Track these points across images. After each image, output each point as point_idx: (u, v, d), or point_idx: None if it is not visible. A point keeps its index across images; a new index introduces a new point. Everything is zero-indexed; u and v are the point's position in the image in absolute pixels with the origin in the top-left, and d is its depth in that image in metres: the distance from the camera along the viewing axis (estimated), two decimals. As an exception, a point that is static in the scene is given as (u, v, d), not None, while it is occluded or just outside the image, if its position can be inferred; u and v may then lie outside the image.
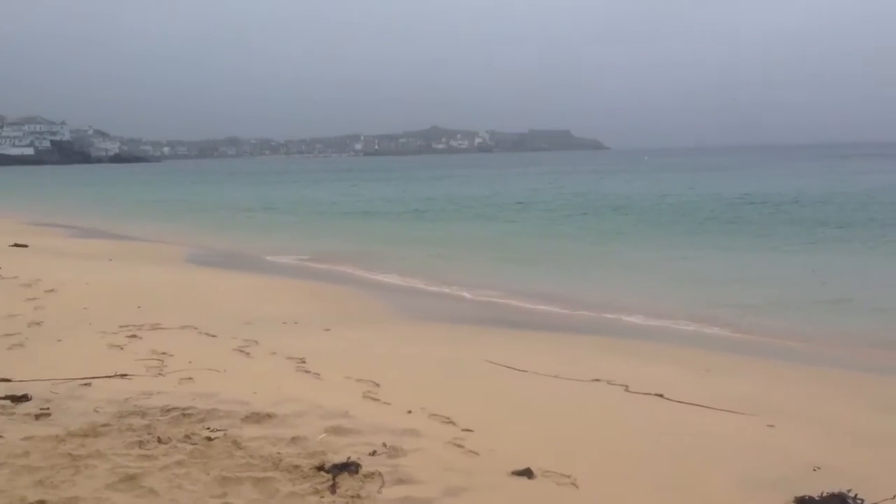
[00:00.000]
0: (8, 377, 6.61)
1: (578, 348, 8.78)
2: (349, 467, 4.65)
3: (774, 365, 8.51)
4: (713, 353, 9.01)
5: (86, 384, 6.50)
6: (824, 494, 4.38)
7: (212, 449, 4.97)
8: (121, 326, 8.91)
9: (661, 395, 6.50)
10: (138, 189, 64.40)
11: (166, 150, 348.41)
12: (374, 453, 4.96)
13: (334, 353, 7.93)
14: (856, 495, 4.35)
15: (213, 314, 10.03)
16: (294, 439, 5.18)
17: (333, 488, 4.42)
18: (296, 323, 9.76)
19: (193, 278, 13.97)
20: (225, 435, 5.22)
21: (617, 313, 11.30)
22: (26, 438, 5.12)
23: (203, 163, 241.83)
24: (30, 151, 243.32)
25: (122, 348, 7.89)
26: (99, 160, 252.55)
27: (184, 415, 5.65)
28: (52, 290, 11.39)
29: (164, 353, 7.62)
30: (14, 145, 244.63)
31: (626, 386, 6.80)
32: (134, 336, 8.46)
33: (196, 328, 8.96)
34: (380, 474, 4.60)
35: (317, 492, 4.40)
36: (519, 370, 7.34)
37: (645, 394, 6.57)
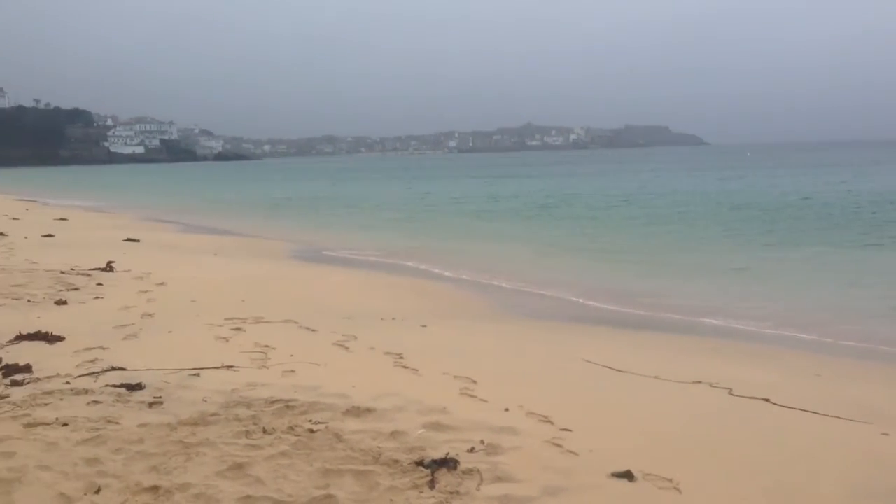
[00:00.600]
0: (123, 366, 6.94)
1: (679, 349, 8.59)
2: (448, 463, 4.68)
3: (891, 372, 8.11)
4: (823, 357, 8.65)
5: (195, 374, 6.74)
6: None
7: (314, 441, 5.09)
8: (226, 319, 9.21)
9: (767, 400, 6.28)
10: (245, 186, 66.43)
11: (266, 147, 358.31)
12: (472, 450, 4.97)
13: (431, 349, 7.99)
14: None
15: (313, 309, 10.25)
16: (393, 434, 5.25)
17: (432, 484, 4.46)
18: (393, 319, 9.89)
19: (294, 273, 14.32)
20: (327, 428, 5.34)
21: (721, 315, 10.92)
22: (141, 425, 5.37)
23: (301, 160, 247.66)
24: (140, 150, 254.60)
25: (227, 340, 8.16)
26: (204, 158, 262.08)
27: (287, 407, 5.80)
28: (162, 284, 11.87)
29: (267, 346, 7.83)
30: (126, 144, 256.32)
31: (730, 389, 6.60)
32: (238, 329, 8.73)
33: (297, 322, 9.18)
34: (478, 471, 4.62)
35: (416, 486, 4.44)
36: (617, 370, 7.24)
37: (750, 398, 6.37)
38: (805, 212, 27.54)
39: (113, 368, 6.87)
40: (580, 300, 12.20)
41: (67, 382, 6.44)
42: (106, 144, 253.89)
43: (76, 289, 11.24)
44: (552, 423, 5.57)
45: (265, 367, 7.07)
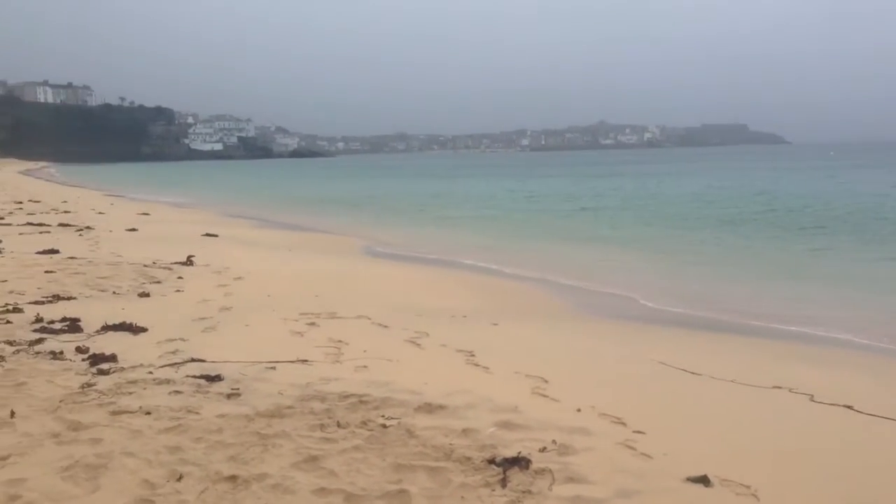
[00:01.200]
0: (203, 358, 7.14)
1: (757, 353, 8.36)
2: (519, 462, 4.68)
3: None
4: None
5: (271, 367, 6.89)
6: None
7: (387, 436, 5.15)
8: (301, 314, 9.38)
9: (850, 407, 6.08)
10: (320, 183, 67.45)
11: (340, 145, 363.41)
12: (543, 450, 4.96)
13: (503, 347, 7.99)
14: None
15: (385, 305, 10.34)
16: (465, 431, 5.27)
17: (504, 482, 4.47)
18: (464, 316, 9.91)
19: (367, 270, 14.47)
20: (399, 423, 5.40)
21: (804, 320, 10.54)
22: (220, 416, 5.52)
23: (374, 158, 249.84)
24: (219, 147, 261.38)
25: (302, 335, 8.30)
26: (280, 155, 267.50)
27: (360, 401, 5.88)
28: (239, 278, 12.15)
29: (340, 341, 7.95)
30: (205, 141, 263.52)
31: (811, 395, 6.41)
32: (313, 324, 8.88)
33: (369, 318, 9.28)
34: (550, 471, 4.60)
35: (488, 484, 4.45)
36: (693, 373, 7.11)
37: (832, 404, 6.17)
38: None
39: (193, 360, 7.08)
40: (655, 301, 11.99)
41: (150, 372, 6.67)
42: (186, 141, 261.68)
43: (158, 282, 11.60)
44: (625, 424, 5.52)
45: (339, 361, 7.18)
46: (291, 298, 10.48)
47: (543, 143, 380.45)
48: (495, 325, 9.37)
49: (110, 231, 19.51)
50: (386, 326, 8.86)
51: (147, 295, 10.52)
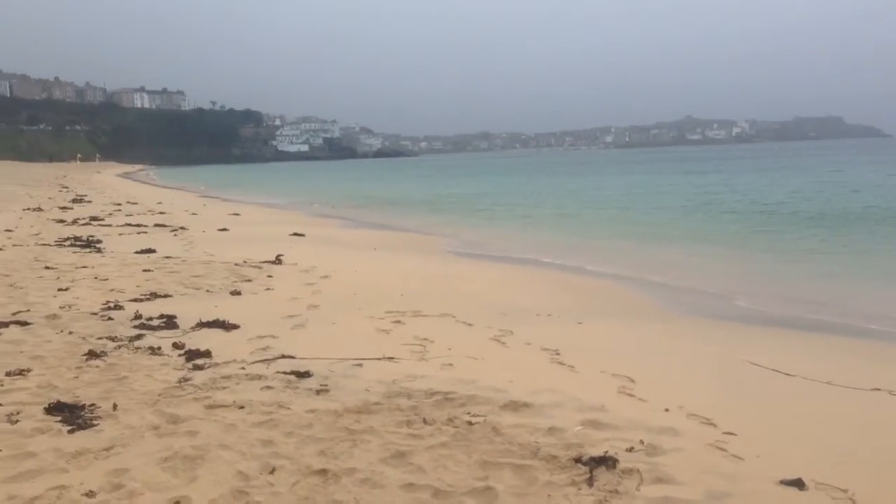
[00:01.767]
0: (292, 354, 7.32)
1: (855, 354, 8.06)
2: (606, 461, 4.64)
3: None
4: None
5: (358, 364, 7.01)
6: None
7: (473, 433, 5.18)
8: (386, 312, 9.50)
9: (955, 411, 5.82)
10: (404, 182, 68.10)
11: (423, 144, 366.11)
12: (631, 449, 4.90)
13: (588, 346, 7.92)
14: None
15: (470, 303, 10.39)
16: (551, 429, 5.26)
17: (591, 481, 4.44)
18: (549, 315, 9.87)
19: (450, 268, 14.55)
20: (485, 421, 5.42)
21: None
22: (310, 411, 5.65)
23: (457, 157, 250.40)
24: (305, 148, 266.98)
25: (388, 333, 8.42)
26: (364, 155, 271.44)
27: (446, 399, 5.93)
28: (326, 277, 12.40)
29: (425, 339, 8.02)
30: (292, 143, 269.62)
31: (913, 398, 6.15)
32: (398, 322, 8.99)
33: (454, 316, 9.34)
34: (638, 471, 4.55)
35: (574, 483, 4.43)
36: (785, 374, 6.91)
37: (935, 408, 5.91)
38: None
39: (283, 356, 7.26)
40: (745, 300, 11.69)
41: (243, 368, 6.87)
42: (274, 143, 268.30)
43: (249, 280, 11.93)
44: (715, 425, 5.41)
45: (424, 359, 7.25)
46: (377, 297, 10.63)
47: (628, 139, 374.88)
48: (580, 323, 9.31)
49: (203, 231, 20.17)
50: (470, 325, 8.90)
51: (238, 293, 10.84)
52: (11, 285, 11.04)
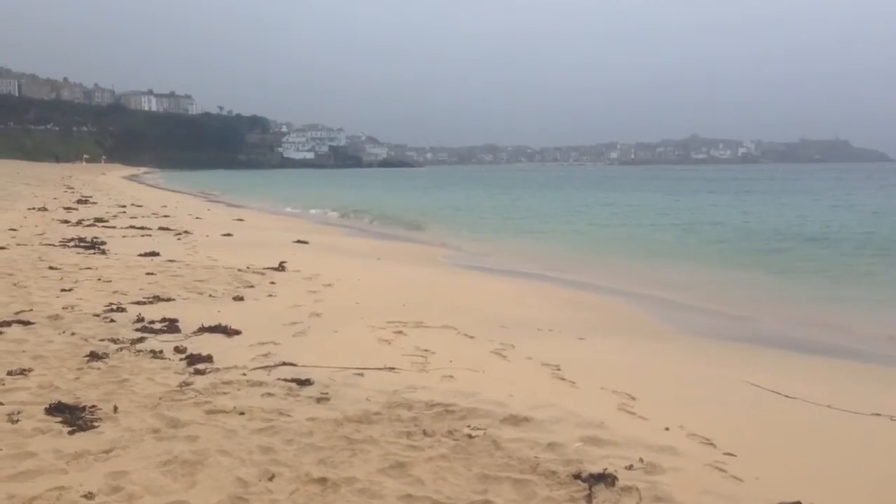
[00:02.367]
0: (294, 361, 7.33)
1: (857, 378, 8.04)
2: (605, 479, 4.63)
3: None
4: None
5: (359, 374, 7.01)
6: None
7: (473, 446, 5.18)
8: (388, 322, 9.50)
9: (956, 438, 5.80)
10: (408, 193, 68.20)
11: (428, 155, 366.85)
12: (630, 467, 4.90)
13: (589, 362, 7.92)
14: None
15: (471, 316, 10.38)
16: (550, 445, 5.25)
17: (590, 498, 4.43)
18: (550, 330, 9.86)
19: (453, 280, 14.56)
20: (485, 434, 5.42)
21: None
22: (310, 419, 5.66)
23: (462, 169, 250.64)
24: (311, 155, 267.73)
25: (389, 343, 8.41)
26: (369, 164, 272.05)
27: (447, 411, 5.93)
28: (329, 285, 12.40)
29: (426, 350, 8.02)
30: (297, 150, 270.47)
31: (914, 424, 6.14)
32: (400, 332, 8.98)
33: (455, 329, 9.33)
34: (637, 489, 4.55)
35: (573, 500, 4.43)
36: (786, 396, 6.90)
37: (936, 435, 5.90)
38: None
39: (284, 363, 7.27)
40: (748, 320, 11.69)
41: (244, 374, 6.88)
42: (280, 150, 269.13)
43: (251, 286, 11.95)
44: (714, 445, 5.40)
45: (425, 370, 7.25)
46: (379, 306, 10.63)
47: (633, 156, 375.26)
48: (582, 339, 9.30)
49: (207, 236, 20.20)
50: (472, 337, 8.90)
51: (241, 299, 10.85)
52: (15, 284, 11.07)
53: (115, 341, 7.94)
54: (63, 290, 10.75)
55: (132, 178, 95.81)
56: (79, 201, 33.98)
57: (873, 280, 16.05)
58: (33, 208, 27.53)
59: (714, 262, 19.38)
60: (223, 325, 8.75)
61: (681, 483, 4.68)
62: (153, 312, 9.41)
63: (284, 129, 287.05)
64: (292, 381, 6.67)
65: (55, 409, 5.67)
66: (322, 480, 4.57)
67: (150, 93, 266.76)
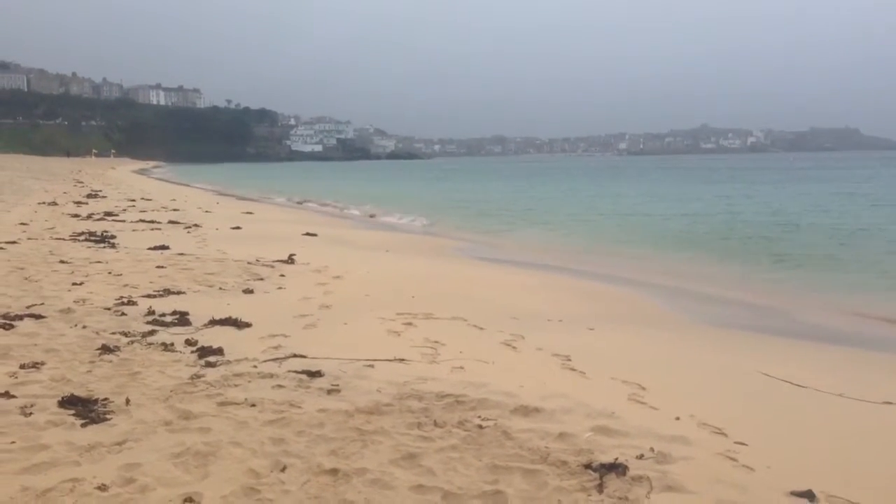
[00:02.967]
0: (304, 353, 7.35)
1: (869, 367, 8.01)
2: (616, 468, 4.64)
3: None
4: None
5: (369, 365, 7.03)
6: None
7: (483, 437, 5.19)
8: (398, 314, 9.51)
9: (969, 426, 5.78)
10: (417, 184, 68.15)
11: (437, 147, 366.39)
12: (641, 457, 4.90)
13: (599, 352, 7.91)
14: None
15: (481, 307, 10.38)
16: (561, 435, 5.26)
17: (601, 488, 4.44)
18: (560, 321, 9.85)
19: (462, 271, 14.55)
20: (495, 424, 5.42)
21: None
22: (321, 411, 5.67)
23: (470, 160, 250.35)
24: (319, 148, 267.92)
25: (399, 334, 8.43)
26: (377, 157, 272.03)
27: (457, 402, 5.93)
28: (338, 277, 12.42)
29: (436, 342, 8.03)
30: (305, 142, 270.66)
31: (926, 412, 6.11)
32: (409, 324, 8.99)
33: (465, 320, 9.33)
34: (648, 479, 4.55)
35: (584, 489, 4.44)
36: (797, 385, 6.88)
37: (948, 423, 5.87)
38: None
39: (295, 355, 7.29)
40: (760, 309, 11.65)
41: (255, 366, 6.90)
42: (288, 143, 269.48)
43: (261, 279, 11.98)
44: (726, 435, 5.39)
45: (435, 361, 7.26)
46: (388, 298, 10.64)
47: (642, 146, 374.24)
48: (592, 329, 9.29)
49: (216, 229, 20.25)
50: (481, 328, 8.90)
51: (251, 291, 10.88)
52: (26, 278, 11.13)
53: (126, 334, 7.98)
54: (74, 284, 10.80)
55: (140, 171, 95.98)
56: (88, 195, 34.08)
57: (884, 269, 15.97)
58: (43, 203, 27.64)
59: (724, 252, 19.31)
60: (233, 317, 8.78)
61: (692, 472, 4.68)
62: (164, 305, 9.44)
63: (293, 121, 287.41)
64: (303, 372, 6.68)
65: (68, 402, 5.70)
66: (333, 471, 4.59)
67: (159, 87, 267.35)
